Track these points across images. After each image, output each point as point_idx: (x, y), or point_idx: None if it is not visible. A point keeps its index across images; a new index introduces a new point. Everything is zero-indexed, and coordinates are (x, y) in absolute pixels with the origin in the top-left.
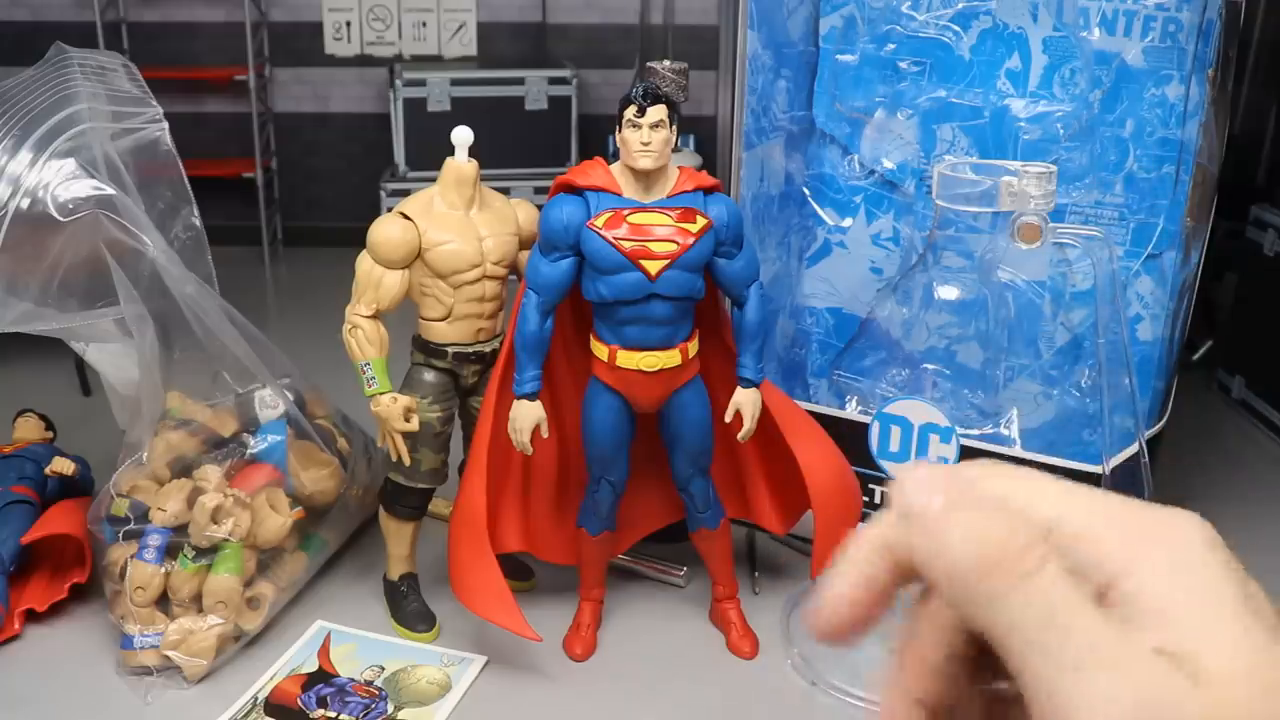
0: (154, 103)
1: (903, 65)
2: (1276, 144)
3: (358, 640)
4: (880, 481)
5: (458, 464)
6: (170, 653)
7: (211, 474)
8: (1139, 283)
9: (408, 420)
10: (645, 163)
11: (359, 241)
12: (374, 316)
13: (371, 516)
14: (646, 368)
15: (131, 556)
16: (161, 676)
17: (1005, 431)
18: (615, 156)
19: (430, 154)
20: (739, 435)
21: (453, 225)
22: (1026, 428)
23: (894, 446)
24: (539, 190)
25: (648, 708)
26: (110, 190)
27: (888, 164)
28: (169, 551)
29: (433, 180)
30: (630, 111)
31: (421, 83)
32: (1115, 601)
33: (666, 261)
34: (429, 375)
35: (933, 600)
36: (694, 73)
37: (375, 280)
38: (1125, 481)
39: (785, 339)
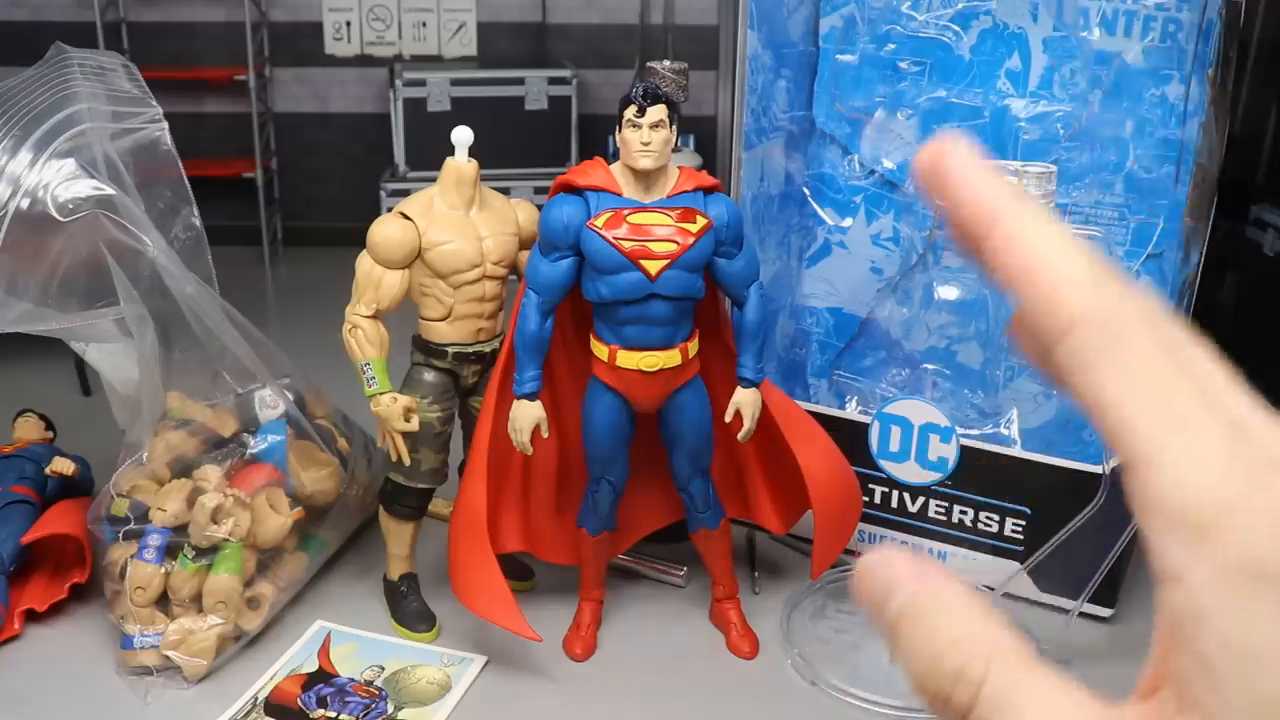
0: (154, 103)
1: (903, 65)
2: (1276, 144)
3: (358, 640)
4: (880, 481)
5: (458, 464)
6: (170, 653)
7: (211, 474)
8: (1139, 283)
9: (408, 420)
10: (645, 163)
11: (359, 241)
12: (374, 316)
13: (371, 516)
14: (646, 368)
15: (131, 556)
16: (161, 676)
17: (1005, 431)
18: (615, 156)
19: (430, 154)
20: (739, 435)
21: (453, 225)
22: (1026, 428)
23: (894, 446)
24: (539, 190)
25: (648, 708)
26: (110, 190)
27: (888, 164)
28: (169, 551)
29: (433, 180)
30: (630, 111)
31: (421, 83)
32: None
33: (666, 261)
34: (429, 375)
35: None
36: (694, 73)
37: (375, 280)
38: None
39: (785, 339)
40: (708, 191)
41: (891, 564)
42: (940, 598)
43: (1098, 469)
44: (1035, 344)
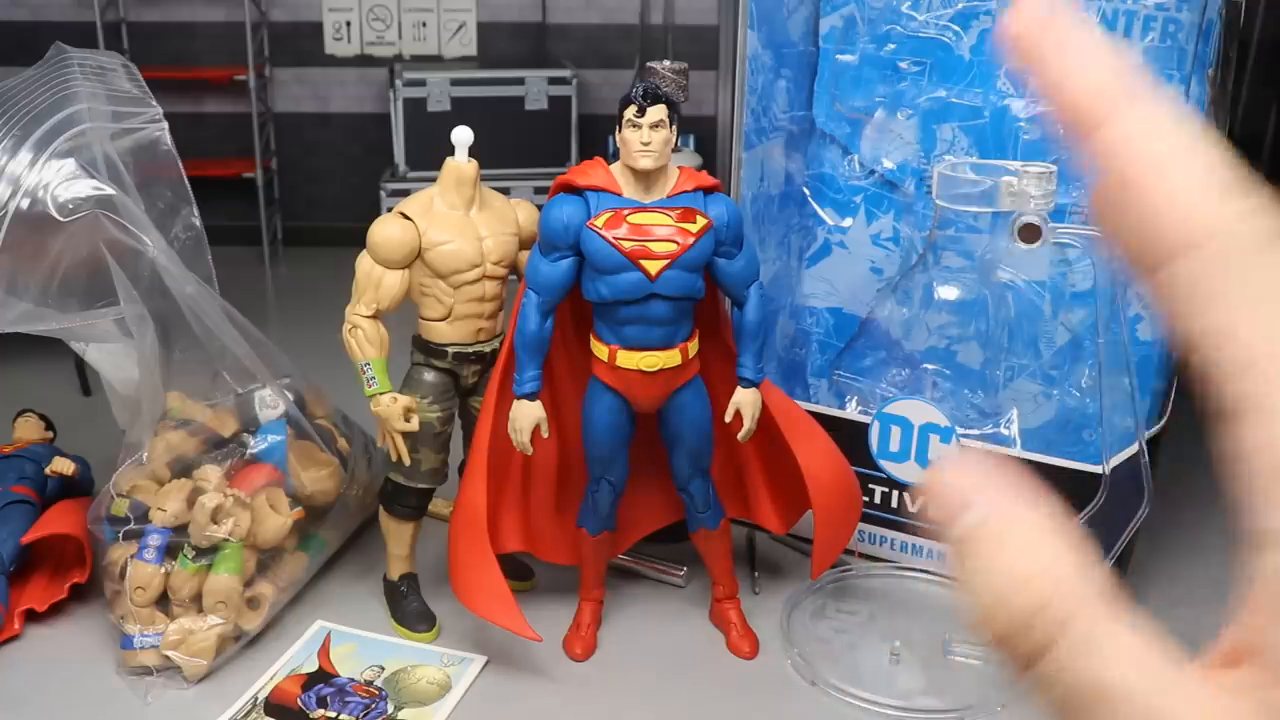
0: (154, 103)
1: (903, 65)
2: (1276, 144)
3: (358, 640)
4: (880, 481)
5: (458, 464)
6: (170, 653)
7: (211, 474)
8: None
9: (408, 420)
10: (645, 163)
11: (359, 241)
12: (374, 316)
13: (371, 516)
14: (646, 368)
15: (131, 556)
16: (161, 676)
17: (1005, 431)
18: (615, 156)
19: (430, 154)
20: (739, 435)
21: (453, 225)
22: (1026, 428)
23: (894, 446)
24: (539, 190)
25: (648, 708)
26: (110, 190)
27: (888, 164)
28: (169, 551)
29: (433, 180)
30: (630, 111)
31: (421, 83)
32: None
33: (666, 261)
34: (429, 375)
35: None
36: (694, 73)
37: (375, 280)
38: (1125, 481)
39: (785, 339)
40: (708, 191)
41: (969, 474)
42: (1023, 521)
43: (1098, 469)
44: (1134, 244)
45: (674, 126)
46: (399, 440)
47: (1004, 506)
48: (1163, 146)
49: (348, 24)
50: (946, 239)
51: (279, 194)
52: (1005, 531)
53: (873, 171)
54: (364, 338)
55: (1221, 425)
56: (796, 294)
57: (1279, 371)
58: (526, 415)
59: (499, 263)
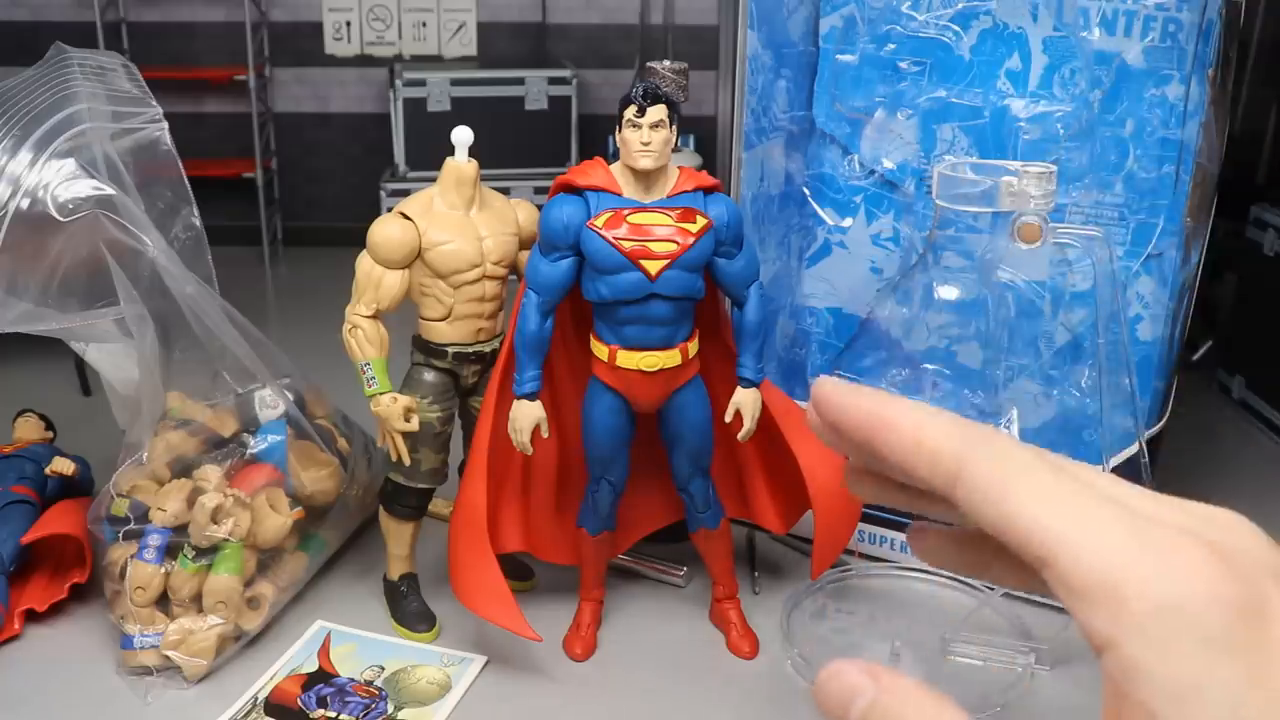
0: (154, 103)
1: (903, 65)
2: (1276, 144)
3: (358, 640)
4: None
5: (458, 464)
6: (170, 653)
7: (211, 474)
8: (1139, 283)
9: (408, 420)
10: (645, 163)
11: (359, 241)
12: (374, 316)
13: (371, 516)
14: (647, 368)
15: (131, 556)
16: (161, 676)
17: (1005, 431)
18: (615, 156)
19: (430, 154)
20: (739, 435)
21: (453, 225)
22: (1026, 428)
23: None
24: (539, 190)
25: (648, 708)
26: (110, 190)
27: (888, 164)
28: (169, 551)
29: (433, 180)
30: (630, 111)
31: (421, 83)
32: None
33: (666, 261)
34: (429, 375)
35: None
36: (694, 73)
37: (375, 280)
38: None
39: (785, 339)
40: (708, 191)
41: (847, 673)
42: (900, 699)
43: (1098, 469)
44: (936, 504)
45: (674, 126)
46: (399, 440)
47: (885, 689)
48: (908, 425)
49: (348, 24)
50: (946, 239)
51: (279, 194)
52: (889, 710)
53: (873, 171)
54: (364, 338)
55: (1039, 573)
56: (796, 294)
57: (1056, 529)
58: (526, 415)
59: (499, 263)
